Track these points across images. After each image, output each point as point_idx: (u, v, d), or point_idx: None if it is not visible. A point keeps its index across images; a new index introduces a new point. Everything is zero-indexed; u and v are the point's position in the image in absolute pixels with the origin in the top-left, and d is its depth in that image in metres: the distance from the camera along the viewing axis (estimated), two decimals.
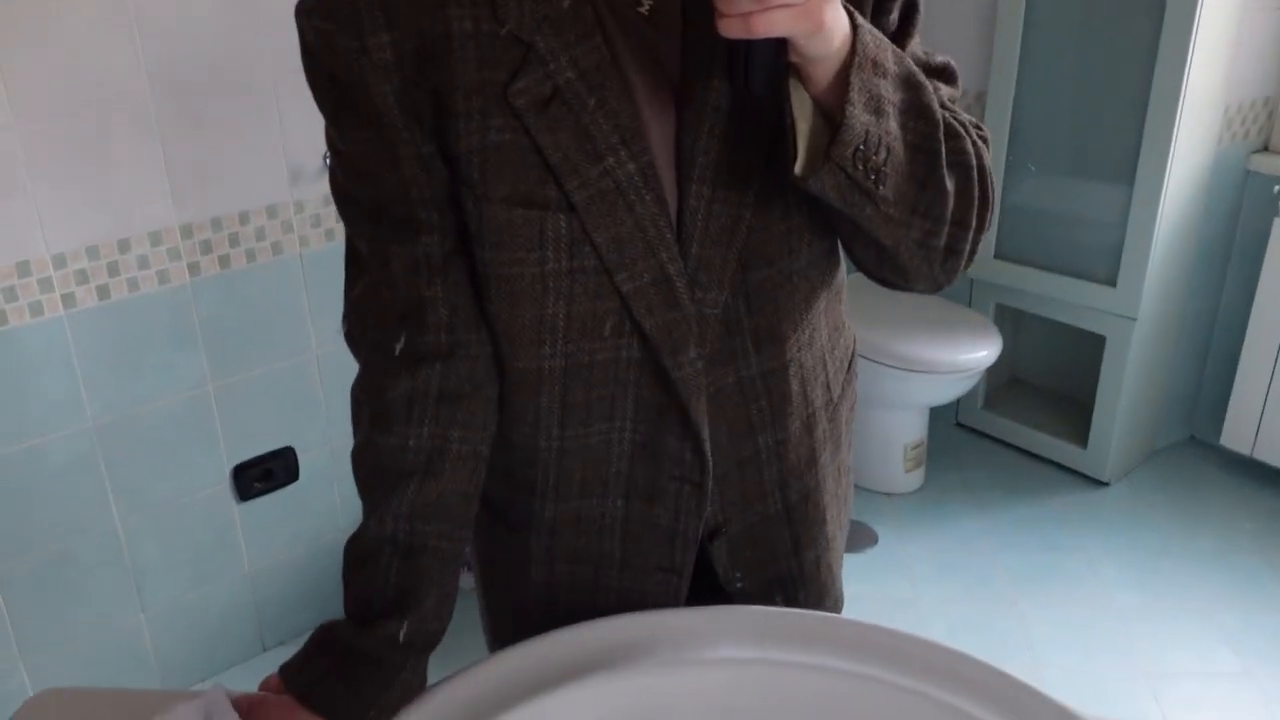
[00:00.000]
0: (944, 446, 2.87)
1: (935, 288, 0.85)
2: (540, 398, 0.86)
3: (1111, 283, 2.51)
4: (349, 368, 0.87)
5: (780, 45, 0.69)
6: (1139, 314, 2.49)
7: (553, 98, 0.74)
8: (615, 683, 0.83)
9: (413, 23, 0.73)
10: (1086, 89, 2.46)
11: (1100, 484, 2.69)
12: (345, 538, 0.87)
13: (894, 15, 0.82)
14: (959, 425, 2.97)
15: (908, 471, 2.66)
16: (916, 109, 0.74)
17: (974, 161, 0.78)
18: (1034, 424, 2.83)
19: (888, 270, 0.84)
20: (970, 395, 2.89)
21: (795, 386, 0.91)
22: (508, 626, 1.03)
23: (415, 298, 0.81)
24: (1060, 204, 2.58)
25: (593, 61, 0.74)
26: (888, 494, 2.68)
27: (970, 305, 2.80)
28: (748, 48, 0.69)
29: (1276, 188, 2.45)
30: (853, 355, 1.05)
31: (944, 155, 0.75)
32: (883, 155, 0.72)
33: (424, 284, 0.81)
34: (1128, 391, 2.59)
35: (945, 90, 0.83)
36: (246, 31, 1.82)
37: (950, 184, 0.76)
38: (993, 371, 2.92)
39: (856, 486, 2.64)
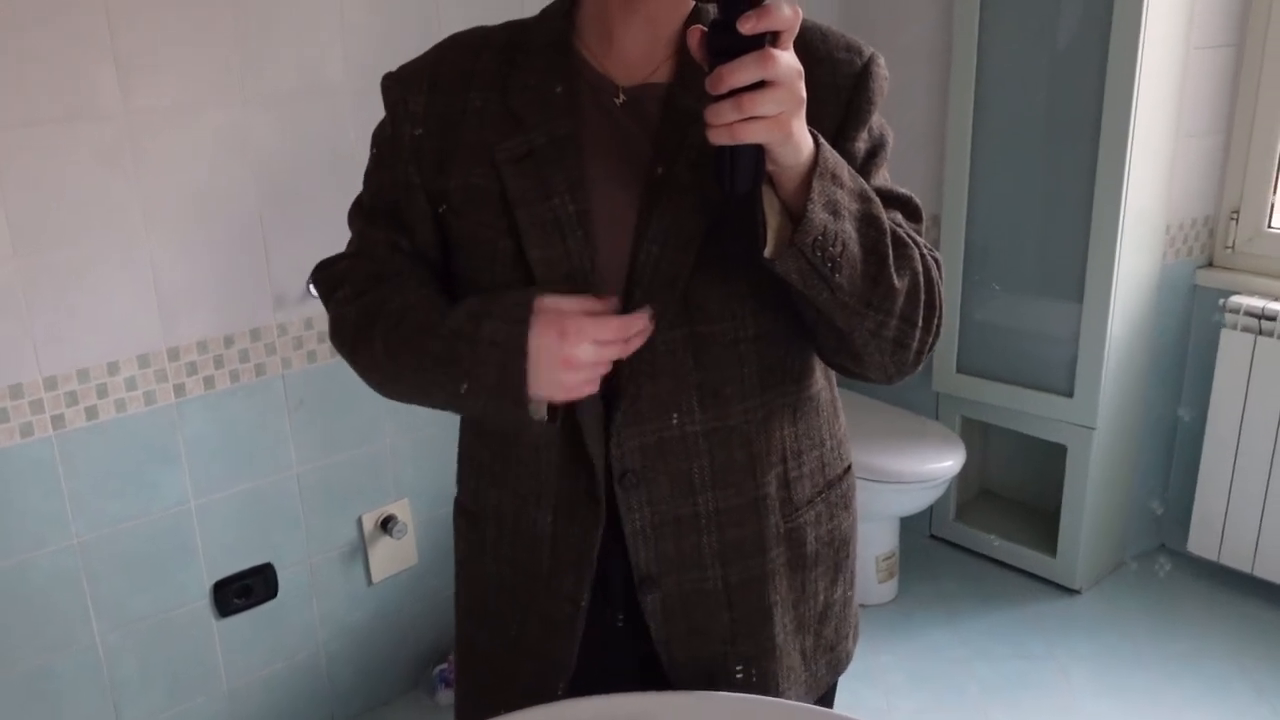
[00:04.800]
0: (918, 558, 2.91)
1: (887, 378, 0.99)
2: None
3: (1069, 393, 2.60)
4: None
5: (759, 153, 0.82)
6: (1096, 423, 2.57)
7: (526, 156, 0.97)
8: None
9: (444, 96, 1.00)
10: (1035, 211, 2.59)
11: (1071, 592, 2.73)
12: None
13: (860, 145, 0.97)
14: (933, 537, 3.02)
15: (881, 582, 2.70)
16: (867, 218, 0.89)
17: (920, 268, 0.93)
18: (1004, 534, 2.88)
19: (844, 356, 0.98)
20: (943, 507, 2.95)
21: (739, 459, 1.00)
22: (467, 623, 1.17)
23: (383, 268, 1.04)
24: (1018, 320, 2.68)
25: (562, 133, 0.97)
26: (861, 605, 2.70)
27: (937, 418, 2.88)
28: (732, 154, 0.82)
29: (1221, 301, 2.56)
30: (840, 486, 1.12)
31: (891, 258, 0.89)
32: (838, 249, 0.86)
33: (396, 259, 1.04)
34: (1091, 500, 2.65)
35: (899, 216, 0.97)
36: (234, 166, 1.95)
37: (898, 283, 0.90)
38: (963, 483, 2.98)
39: None
